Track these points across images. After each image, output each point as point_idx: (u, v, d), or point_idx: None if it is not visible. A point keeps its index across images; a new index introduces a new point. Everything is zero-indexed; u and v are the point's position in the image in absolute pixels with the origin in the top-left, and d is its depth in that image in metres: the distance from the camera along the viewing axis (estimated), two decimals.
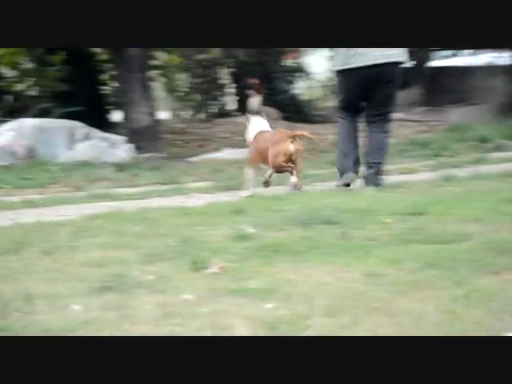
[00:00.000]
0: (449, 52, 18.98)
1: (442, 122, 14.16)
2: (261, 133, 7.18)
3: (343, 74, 7.00)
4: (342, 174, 7.04)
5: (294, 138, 6.86)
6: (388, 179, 7.22)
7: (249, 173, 7.24)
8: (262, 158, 7.03)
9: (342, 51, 6.88)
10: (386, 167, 7.48)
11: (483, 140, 11.43)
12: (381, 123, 7.07)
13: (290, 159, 6.81)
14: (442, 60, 18.84)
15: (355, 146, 7.15)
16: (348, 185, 6.95)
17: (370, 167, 6.98)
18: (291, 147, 6.82)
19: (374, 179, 6.94)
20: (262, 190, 6.91)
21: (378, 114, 7.06)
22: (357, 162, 7.13)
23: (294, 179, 6.83)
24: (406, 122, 14.70)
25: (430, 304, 2.95)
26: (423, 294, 3.13)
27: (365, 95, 7.05)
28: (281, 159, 6.79)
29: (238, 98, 18.55)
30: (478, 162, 9.19)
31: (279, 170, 6.92)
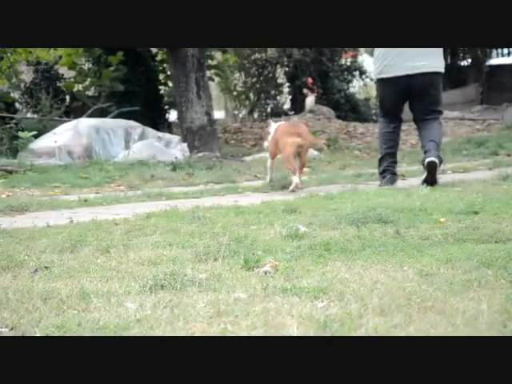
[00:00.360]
0: (507, 50, 18.73)
1: (499, 121, 13.98)
2: (280, 125, 7.53)
3: (380, 82, 7.31)
4: (383, 175, 7.22)
5: (299, 133, 7.16)
6: (443, 178, 7.16)
7: (268, 163, 7.86)
8: (277, 148, 7.45)
9: (379, 60, 7.11)
10: (441, 166, 7.42)
11: None
12: (430, 121, 7.24)
13: (298, 151, 7.12)
14: (500, 58, 18.59)
15: (393, 148, 7.27)
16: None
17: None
18: (299, 139, 7.01)
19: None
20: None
21: (424, 119, 7.30)
22: (395, 163, 7.33)
23: (296, 180, 7.03)
24: (462, 121, 14.56)
25: (484, 304, 2.92)
26: (477, 293, 3.10)
27: (402, 103, 7.34)
28: (289, 150, 7.06)
29: (292, 97, 18.54)
30: None
31: (287, 166, 7.25)
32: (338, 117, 16.02)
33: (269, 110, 18.52)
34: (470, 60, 17.30)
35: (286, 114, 17.58)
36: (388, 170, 7.24)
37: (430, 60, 7.03)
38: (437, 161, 6.89)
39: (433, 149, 6.97)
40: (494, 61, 17.99)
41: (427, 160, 6.91)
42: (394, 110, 7.33)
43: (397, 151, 7.42)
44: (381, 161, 7.35)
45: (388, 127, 7.33)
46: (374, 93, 20.89)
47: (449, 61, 17.53)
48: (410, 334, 2.60)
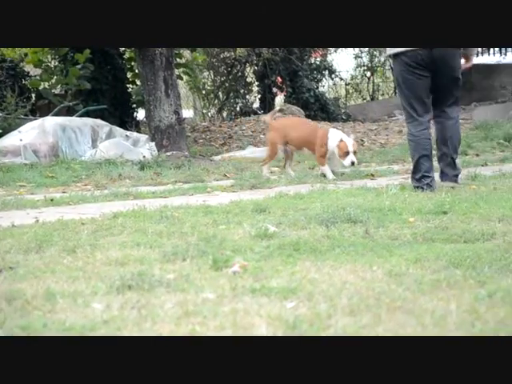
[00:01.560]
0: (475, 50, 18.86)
1: (467, 121, 14.06)
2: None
3: None
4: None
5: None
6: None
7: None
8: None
9: None
10: (410, 166, 7.45)
11: (509, 138, 11.34)
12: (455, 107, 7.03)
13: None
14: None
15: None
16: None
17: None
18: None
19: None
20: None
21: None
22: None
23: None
24: (431, 121, 14.61)
25: (453, 303, 2.93)
26: (446, 293, 3.10)
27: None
28: None
29: (261, 96, 18.54)
30: (503, 160, 9.13)
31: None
32: (308, 116, 16.02)
33: (238, 109, 18.50)
34: None
35: (255, 113, 17.57)
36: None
37: None
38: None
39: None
40: (463, 61, 18.10)
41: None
42: None
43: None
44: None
45: None
46: (343, 92, 20.96)
47: None
48: (378, 334, 2.59)
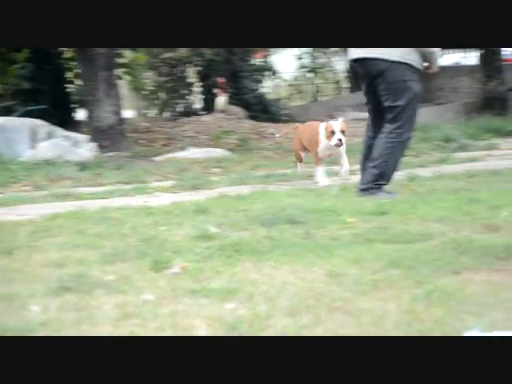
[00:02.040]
0: None
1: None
2: None
3: None
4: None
5: None
6: (352, 179, 7.23)
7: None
8: None
9: None
10: (351, 167, 7.50)
11: (448, 140, 11.49)
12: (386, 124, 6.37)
13: None
14: None
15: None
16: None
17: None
18: None
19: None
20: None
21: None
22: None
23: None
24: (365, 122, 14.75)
25: (391, 303, 2.96)
26: (384, 293, 3.13)
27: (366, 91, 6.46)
28: None
29: (204, 96, 18.50)
30: (442, 161, 9.24)
31: None
32: (250, 117, 16.04)
33: (179, 109, 18.42)
34: None
35: (197, 114, 17.52)
36: None
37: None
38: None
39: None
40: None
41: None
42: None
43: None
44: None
45: None
46: (284, 93, 21.04)
47: None
48: (318, 335, 2.60)
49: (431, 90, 16.47)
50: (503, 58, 16.78)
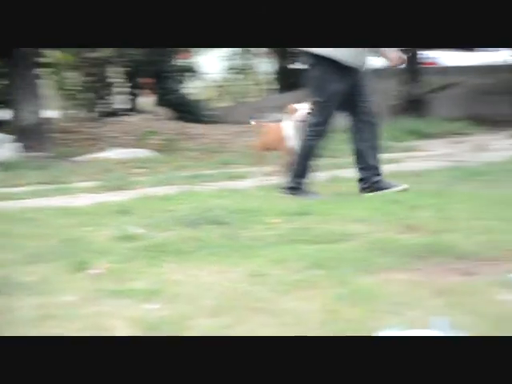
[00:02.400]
0: None
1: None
2: None
3: None
4: None
5: None
6: (276, 179, 7.26)
7: None
8: None
9: None
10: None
11: None
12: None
13: None
14: None
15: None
16: None
17: None
18: None
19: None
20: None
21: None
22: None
23: None
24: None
25: (314, 303, 2.98)
26: (307, 293, 3.15)
27: None
28: None
29: (129, 97, 18.36)
30: None
31: None
32: (175, 118, 15.98)
33: (104, 109, 18.24)
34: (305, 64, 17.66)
35: (122, 114, 17.37)
36: None
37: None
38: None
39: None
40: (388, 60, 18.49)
41: None
42: None
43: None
44: None
45: None
46: (211, 94, 21.01)
47: (284, 64, 17.88)
48: (239, 335, 2.61)
49: None
50: (426, 61, 17.08)
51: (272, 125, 7.86)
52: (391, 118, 14.69)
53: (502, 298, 3.00)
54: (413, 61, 16.44)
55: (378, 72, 17.63)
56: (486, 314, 2.76)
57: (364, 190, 6.20)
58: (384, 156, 9.82)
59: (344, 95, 6.22)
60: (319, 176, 6.63)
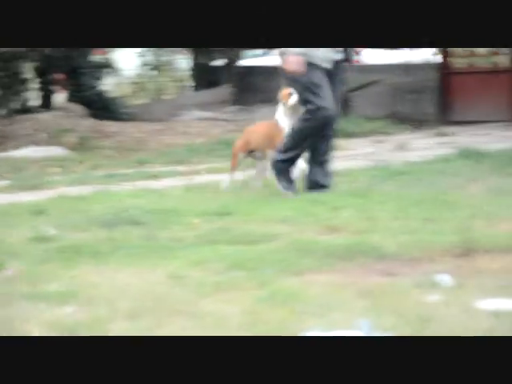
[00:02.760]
0: (259, 51, 19.32)
1: (251, 122, 14.34)
2: None
3: None
4: None
5: None
6: (197, 179, 7.22)
7: None
8: None
9: None
10: (195, 167, 7.49)
11: None
12: None
13: None
14: (252, 59, 19.13)
15: None
16: None
17: None
18: None
19: None
20: None
21: None
22: None
23: None
24: (216, 121, 14.79)
25: (234, 305, 2.95)
26: (228, 295, 3.13)
27: None
28: None
29: (43, 93, 18.03)
30: None
31: None
32: (90, 115, 15.74)
33: (15, 106, 17.84)
34: (222, 60, 17.63)
35: (35, 111, 17.02)
36: None
37: None
38: None
39: None
40: (246, 62, 18.48)
41: None
42: None
43: None
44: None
45: None
46: (127, 91, 20.80)
47: (201, 61, 17.82)
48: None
49: (275, 89, 16.73)
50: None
51: (262, 122, 7.42)
52: None
53: (425, 298, 3.01)
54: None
55: None
56: (409, 315, 2.76)
57: (310, 188, 6.13)
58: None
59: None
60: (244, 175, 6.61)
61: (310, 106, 6.09)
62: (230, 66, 17.45)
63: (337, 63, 6.19)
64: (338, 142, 11.88)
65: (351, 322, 2.61)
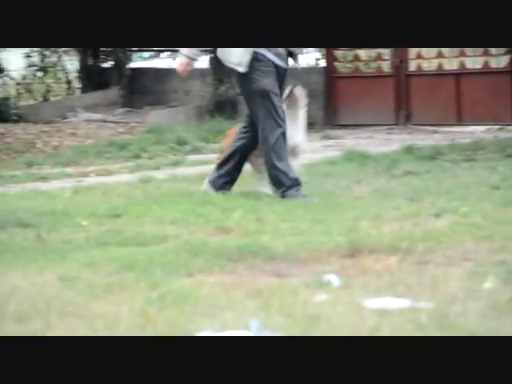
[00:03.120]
0: (150, 54, 19.21)
1: (141, 124, 14.26)
2: None
3: None
4: None
5: None
6: (86, 180, 7.14)
7: None
8: None
9: None
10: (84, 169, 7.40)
11: (181, 142, 11.63)
12: None
13: None
14: (141, 61, 19.02)
15: None
16: None
17: None
18: None
19: None
20: None
21: None
22: None
23: None
24: (105, 123, 14.64)
25: (125, 307, 2.95)
26: (118, 297, 3.12)
27: None
28: None
29: None
30: (176, 164, 9.33)
31: None
32: None
33: None
34: (111, 62, 17.43)
35: None
36: None
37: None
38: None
39: None
40: (135, 64, 18.34)
41: None
42: None
43: None
44: None
45: None
46: (13, 92, 20.32)
47: (89, 62, 17.59)
48: None
49: (165, 92, 16.69)
50: None
51: None
52: (200, 118, 14.80)
53: (313, 298, 3.08)
54: (221, 61, 16.62)
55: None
56: (297, 315, 2.82)
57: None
58: (195, 157, 9.93)
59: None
60: (131, 177, 6.58)
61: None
62: (119, 67, 17.27)
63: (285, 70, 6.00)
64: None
65: (241, 323, 2.64)
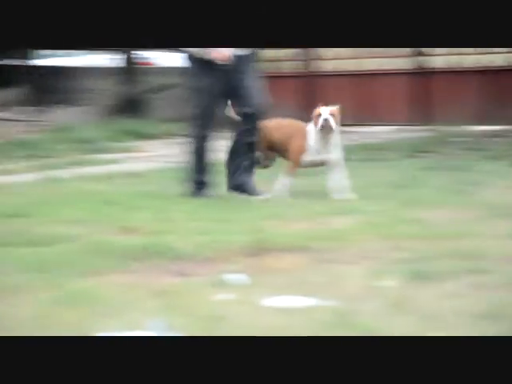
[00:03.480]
0: (50, 52, 18.89)
1: (47, 123, 14.05)
2: None
3: None
4: None
5: None
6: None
7: None
8: None
9: None
10: None
11: (88, 141, 11.50)
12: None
13: None
14: (45, 59, 18.70)
15: None
16: None
17: None
18: None
19: None
20: None
21: None
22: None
23: None
24: (12, 122, 14.38)
25: (25, 308, 2.93)
26: (21, 297, 3.08)
27: None
28: None
29: None
30: (81, 163, 9.21)
31: None
32: None
33: None
34: (16, 60, 17.09)
35: None
36: None
37: None
38: None
39: None
40: (40, 62, 18.02)
41: None
42: None
43: None
44: None
45: None
46: None
47: None
48: None
49: (72, 90, 16.47)
50: (142, 61, 17.18)
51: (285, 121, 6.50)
52: (107, 118, 14.65)
53: (217, 297, 3.10)
54: (129, 60, 16.49)
55: (93, 71, 17.53)
56: (201, 314, 2.84)
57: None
58: (102, 157, 9.83)
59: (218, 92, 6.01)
60: (34, 177, 6.48)
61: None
62: (25, 65, 16.96)
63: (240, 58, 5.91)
64: (135, 144, 11.93)
65: (145, 322, 2.64)
